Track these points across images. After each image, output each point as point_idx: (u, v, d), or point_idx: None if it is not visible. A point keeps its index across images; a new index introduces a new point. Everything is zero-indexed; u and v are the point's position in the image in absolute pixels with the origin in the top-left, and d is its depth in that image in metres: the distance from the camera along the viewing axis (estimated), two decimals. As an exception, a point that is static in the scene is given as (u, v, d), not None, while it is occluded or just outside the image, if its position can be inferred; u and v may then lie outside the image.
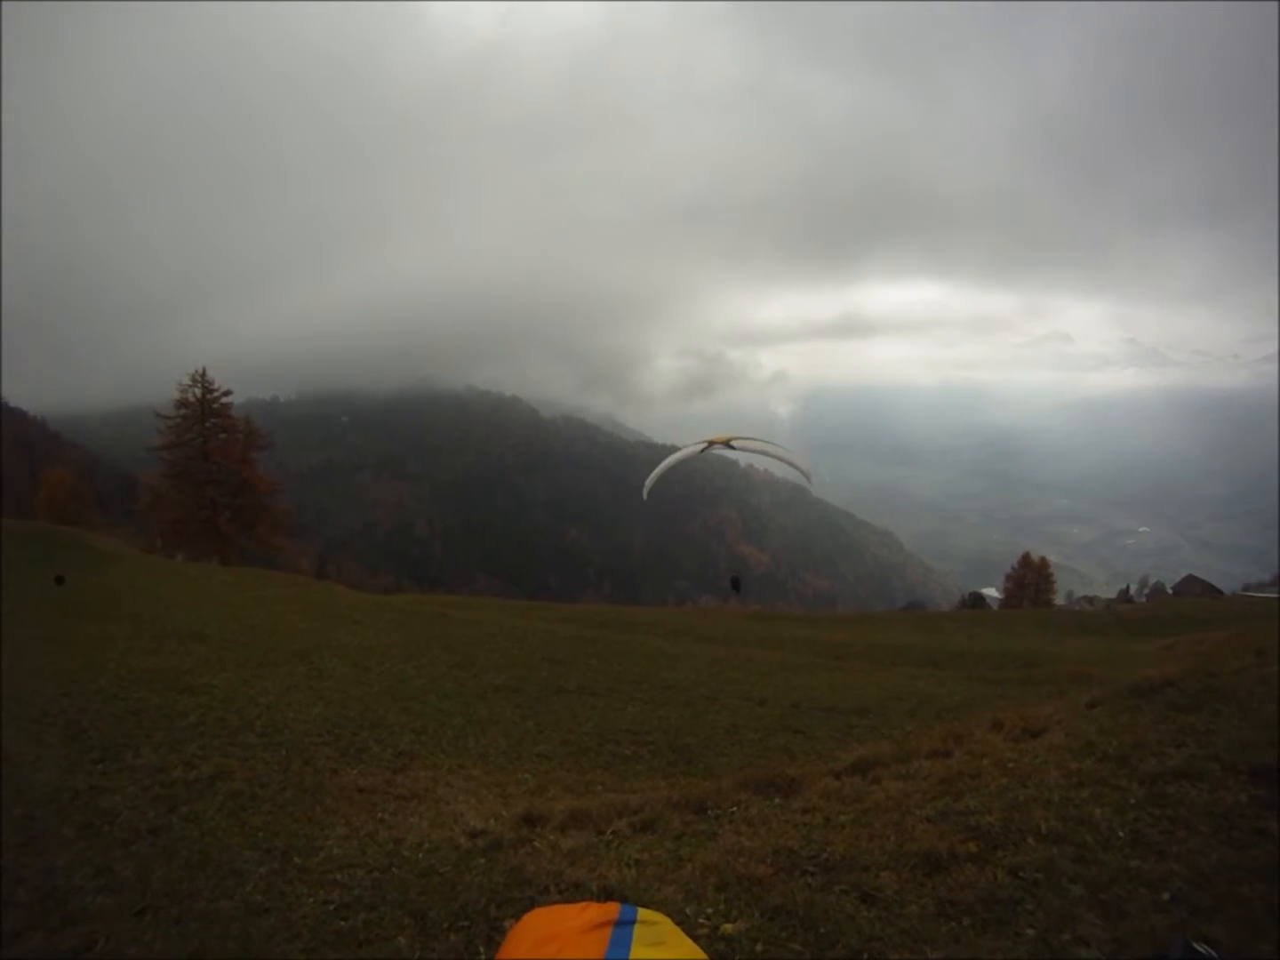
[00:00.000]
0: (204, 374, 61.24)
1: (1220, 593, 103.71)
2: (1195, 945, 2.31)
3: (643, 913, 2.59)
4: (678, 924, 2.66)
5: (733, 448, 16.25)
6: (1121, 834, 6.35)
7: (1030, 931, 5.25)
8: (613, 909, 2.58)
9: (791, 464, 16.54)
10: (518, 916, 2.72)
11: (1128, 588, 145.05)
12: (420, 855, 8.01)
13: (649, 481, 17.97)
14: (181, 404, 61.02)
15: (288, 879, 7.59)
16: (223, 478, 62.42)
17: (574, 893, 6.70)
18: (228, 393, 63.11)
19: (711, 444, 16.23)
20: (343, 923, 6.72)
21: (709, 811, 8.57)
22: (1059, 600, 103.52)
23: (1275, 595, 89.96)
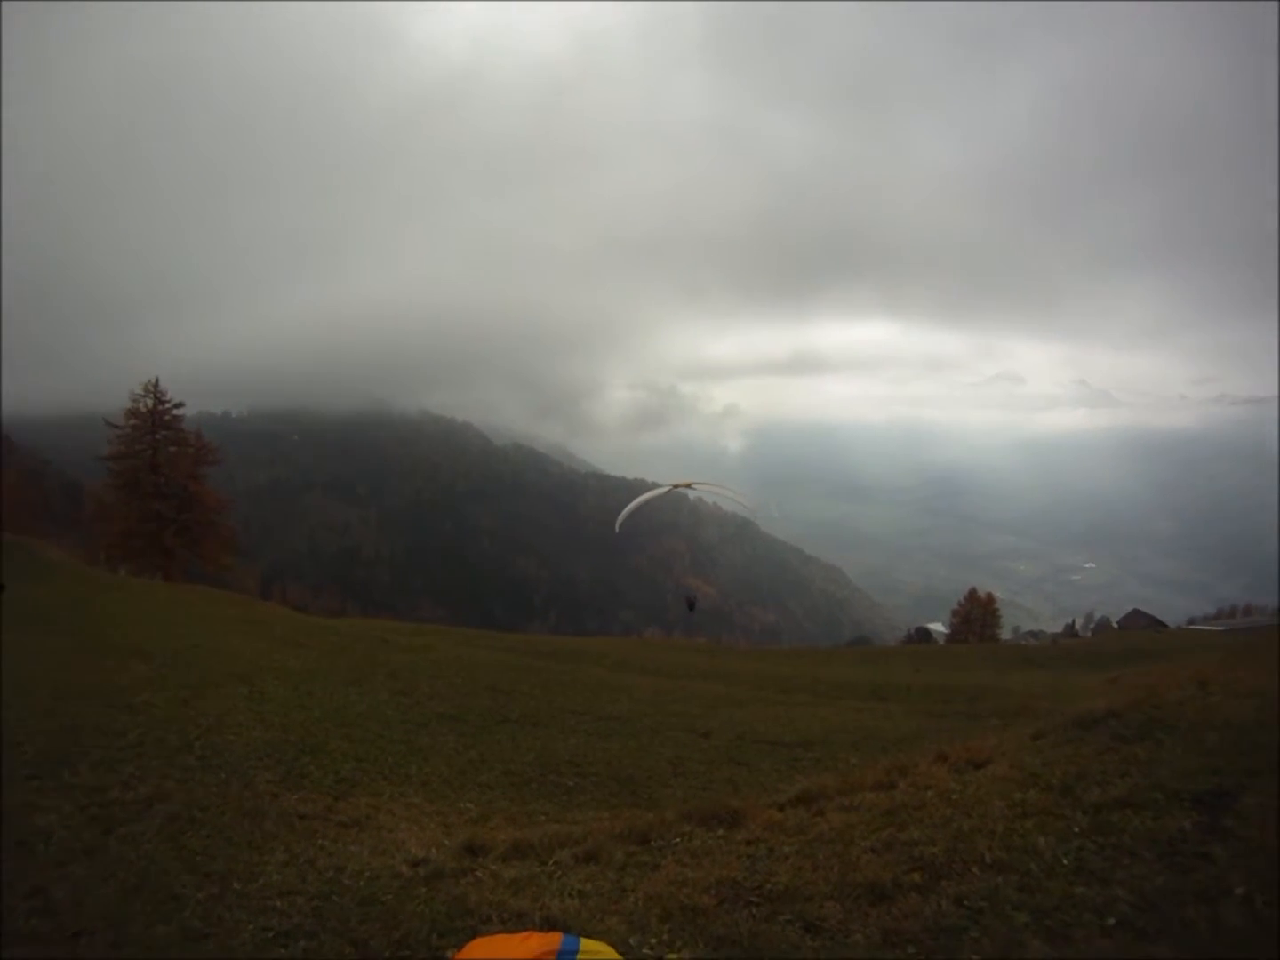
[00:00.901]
0: (156, 384, 60.17)
1: (1165, 626, 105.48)
2: None
3: (585, 943, 2.57)
4: (621, 954, 2.65)
5: (692, 488, 18.42)
6: (1066, 862, 6.39)
7: (976, 959, 5.22)
8: (555, 939, 2.56)
9: (740, 502, 18.02)
10: (460, 946, 2.69)
11: (1073, 622, 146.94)
12: (361, 883, 7.93)
13: (621, 517, 19.34)
14: (133, 414, 59.91)
15: (227, 905, 7.47)
16: (170, 492, 61.10)
17: (517, 923, 6.66)
18: (179, 405, 62.04)
19: (676, 486, 18.37)
20: (283, 950, 6.66)
21: (652, 843, 8.55)
22: (1005, 635, 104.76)
23: (1219, 628, 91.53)
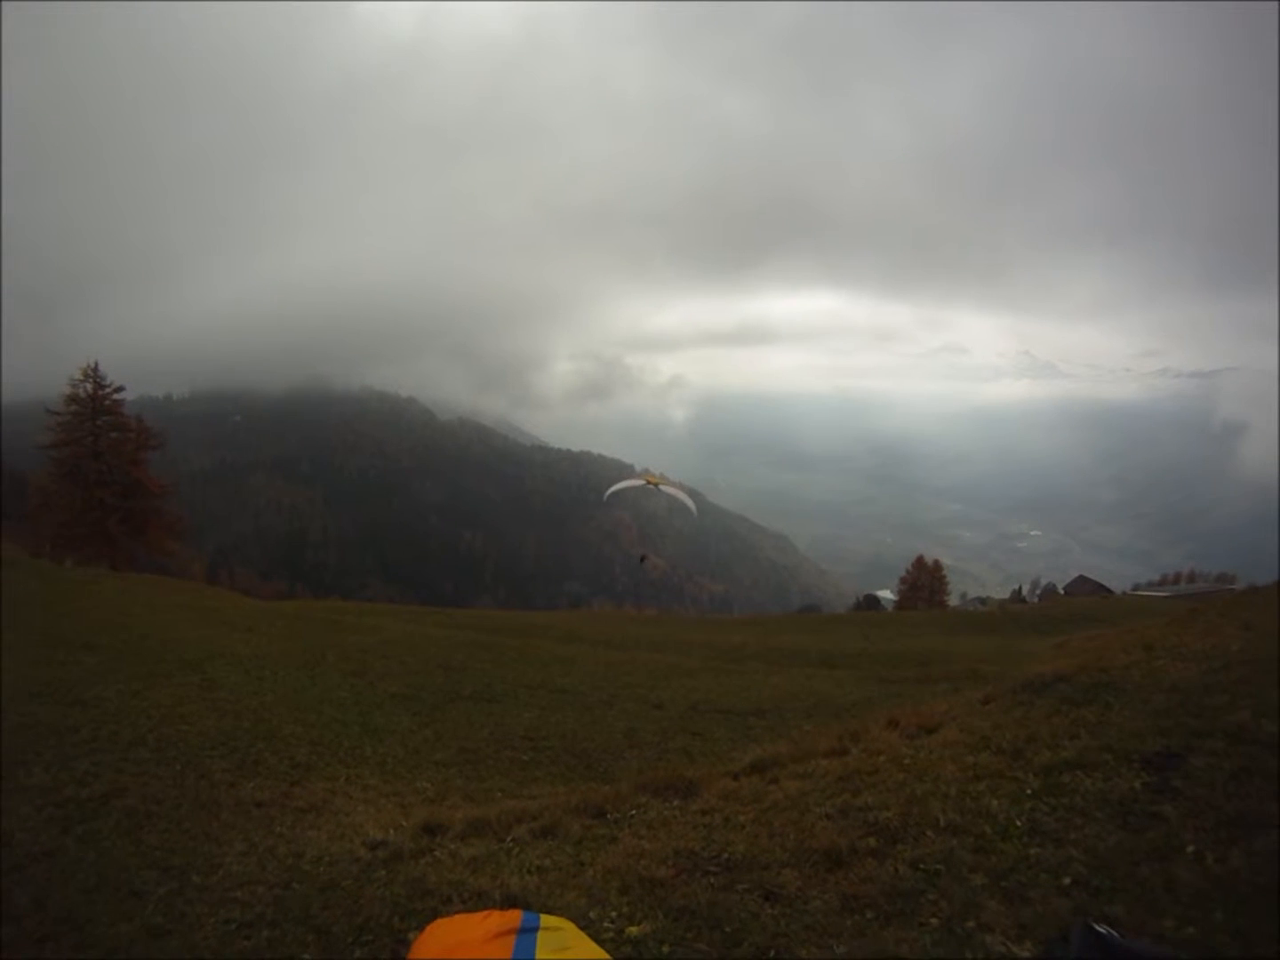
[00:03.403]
0: (96, 368, 58.80)
1: (1110, 592, 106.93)
2: (1095, 926, 2.32)
3: (545, 919, 2.56)
4: (582, 929, 2.64)
5: (658, 488, 21.10)
6: (1019, 823, 6.49)
7: (934, 921, 5.33)
8: (515, 916, 2.55)
9: (688, 505, 21.72)
10: (421, 928, 2.66)
11: (1020, 588, 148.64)
12: (321, 869, 7.87)
13: (608, 494, 22.79)
14: (72, 400, 58.45)
15: (188, 899, 7.36)
16: (113, 479, 59.64)
17: (477, 901, 6.64)
18: (120, 389, 60.50)
19: (648, 482, 21.02)
20: (246, 942, 6.57)
21: (608, 815, 8.60)
22: (953, 601, 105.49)
23: (1163, 594, 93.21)
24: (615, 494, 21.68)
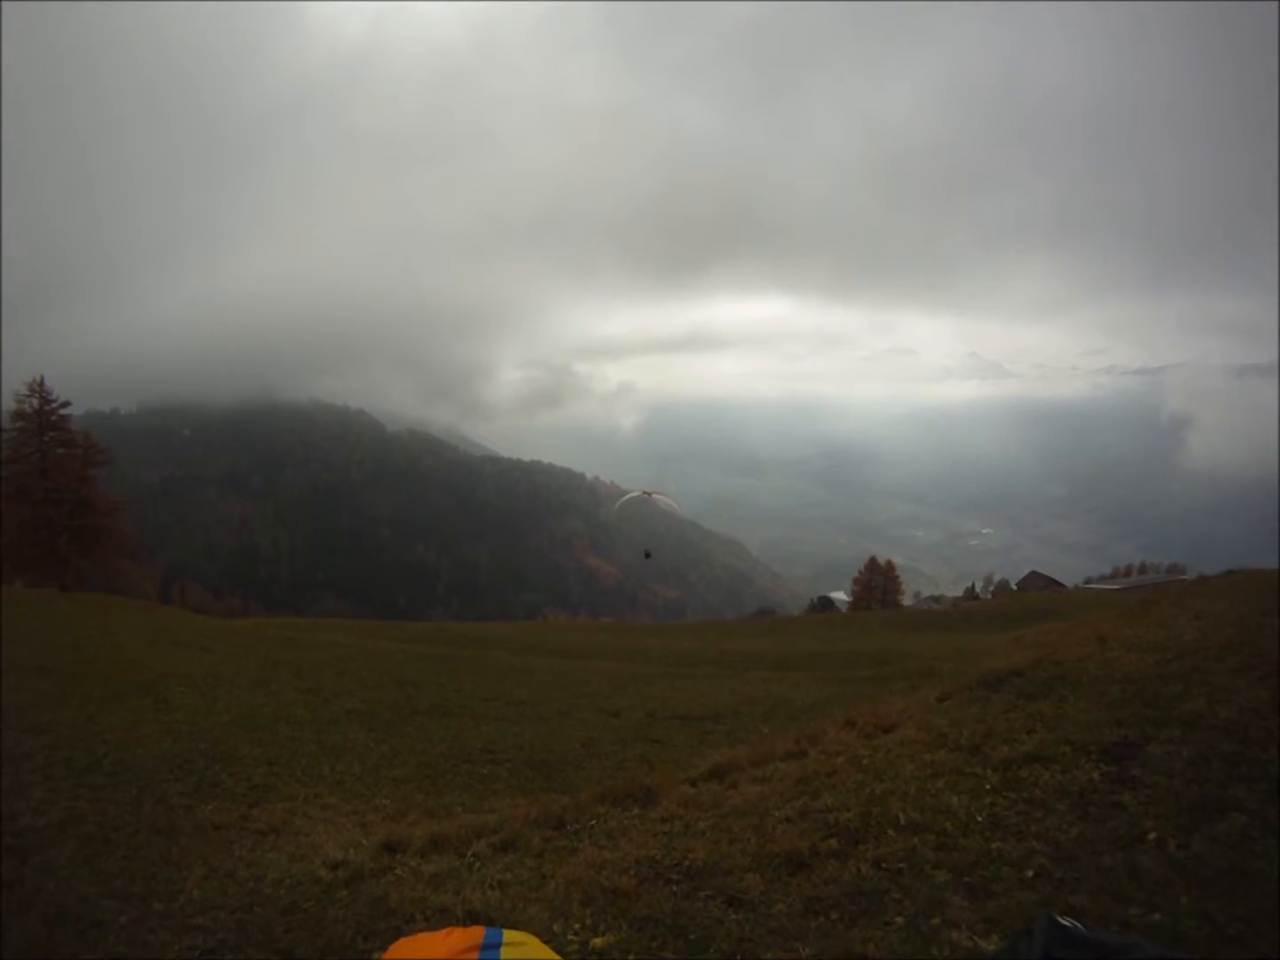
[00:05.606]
0: (42, 383, 57.47)
1: (1063, 586, 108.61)
2: (1059, 919, 2.32)
3: (508, 934, 2.55)
4: (546, 942, 2.62)
5: (650, 496, 21.59)
6: (980, 818, 6.56)
7: (899, 919, 5.34)
8: (477, 933, 2.54)
9: (674, 509, 22.56)
10: (385, 947, 2.64)
11: (973, 585, 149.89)
12: (282, 891, 7.76)
13: (617, 505, 26.28)
14: (18, 416, 57.09)
15: (149, 927, 7.25)
16: (61, 496, 57.98)
17: (439, 919, 6.55)
18: (66, 404, 59.11)
19: (644, 493, 21.76)
20: (209, 968, 6.47)
21: (568, 826, 8.56)
22: (907, 600, 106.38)
23: (1114, 586, 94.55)
24: (623, 505, 22.97)
